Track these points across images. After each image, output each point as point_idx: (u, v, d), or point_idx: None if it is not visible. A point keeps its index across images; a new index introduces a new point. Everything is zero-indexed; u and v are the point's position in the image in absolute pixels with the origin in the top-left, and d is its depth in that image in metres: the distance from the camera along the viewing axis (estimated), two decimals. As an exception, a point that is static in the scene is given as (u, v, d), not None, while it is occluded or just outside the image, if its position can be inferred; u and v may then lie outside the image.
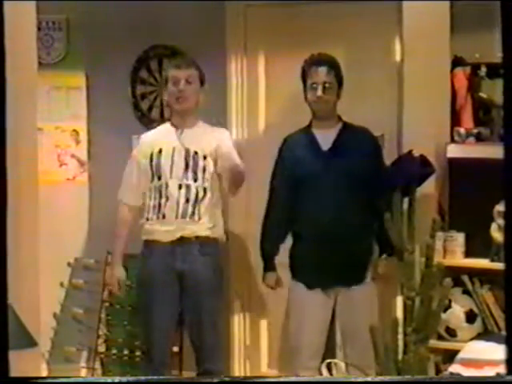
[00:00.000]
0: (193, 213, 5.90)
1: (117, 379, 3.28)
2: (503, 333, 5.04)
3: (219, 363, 6.09)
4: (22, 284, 6.31)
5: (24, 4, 6.39)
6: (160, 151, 5.97)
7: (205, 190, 5.93)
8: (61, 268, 7.05)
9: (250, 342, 6.98)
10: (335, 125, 5.85)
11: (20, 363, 5.65)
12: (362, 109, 6.38)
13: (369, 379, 2.80)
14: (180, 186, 5.92)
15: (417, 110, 5.91)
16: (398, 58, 6.21)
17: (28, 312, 5.69)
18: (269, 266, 5.99)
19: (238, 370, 6.97)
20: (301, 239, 5.88)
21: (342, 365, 5.93)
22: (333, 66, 5.81)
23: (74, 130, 7.19)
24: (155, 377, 4.77)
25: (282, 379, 3.57)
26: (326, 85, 5.77)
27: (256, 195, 6.35)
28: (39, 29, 6.64)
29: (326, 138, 5.81)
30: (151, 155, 5.99)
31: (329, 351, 5.96)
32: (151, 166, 5.99)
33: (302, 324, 5.83)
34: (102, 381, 3.79)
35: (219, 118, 6.68)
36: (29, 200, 6.45)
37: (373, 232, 5.77)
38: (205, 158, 5.91)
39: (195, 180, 5.92)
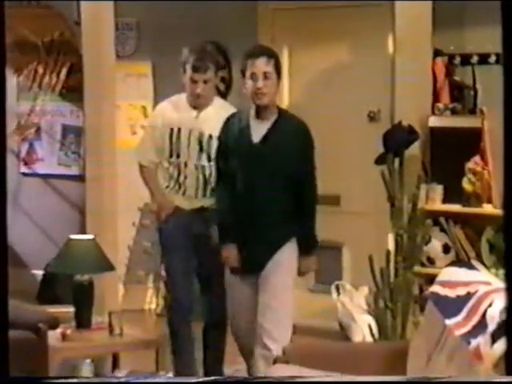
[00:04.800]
0: (212, 190, 4.98)
1: (121, 379, 3.01)
2: (472, 261, 5.03)
3: (223, 316, 4.99)
4: (104, 223, 6.34)
5: (105, 9, 6.38)
6: (179, 131, 5.01)
7: None
8: (133, 211, 7.05)
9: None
10: (271, 116, 4.58)
11: (102, 284, 5.68)
12: (363, 90, 6.32)
13: (370, 379, 2.55)
14: (196, 167, 5.01)
15: (405, 90, 5.83)
16: (391, 50, 6.14)
17: (109, 245, 5.72)
18: (223, 237, 4.74)
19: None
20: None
21: (348, 286, 5.91)
22: (271, 56, 4.59)
23: (143, 107, 7.16)
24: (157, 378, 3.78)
25: (282, 379, 3.20)
26: (267, 75, 4.50)
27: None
28: (116, 29, 6.63)
29: (259, 128, 4.58)
30: (171, 132, 5.04)
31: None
32: (171, 142, 5.03)
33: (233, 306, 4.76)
34: (102, 381, 3.26)
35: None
36: (109, 161, 6.48)
37: (289, 223, 4.61)
38: (217, 138, 4.92)
39: (209, 160, 4.97)
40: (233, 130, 4.65)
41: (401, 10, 5.74)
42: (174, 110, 5.10)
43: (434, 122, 5.72)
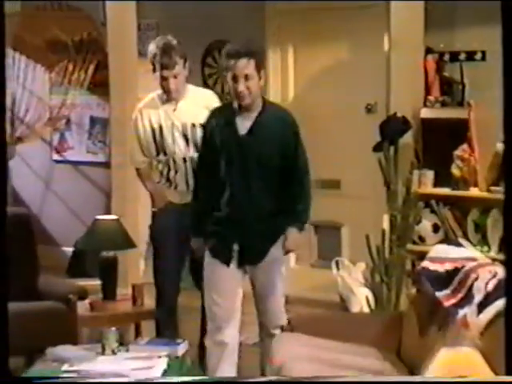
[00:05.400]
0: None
1: (121, 379, 2.85)
2: (459, 239, 5.00)
3: None
4: (128, 206, 6.31)
5: (128, 11, 6.35)
6: (161, 128, 4.59)
7: None
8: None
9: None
10: (256, 108, 4.11)
11: (125, 259, 5.66)
12: (361, 85, 6.27)
13: (371, 379, 2.38)
14: (185, 160, 4.58)
15: (400, 84, 5.77)
16: (386, 48, 6.09)
17: (131, 225, 5.70)
18: (195, 231, 4.29)
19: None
20: (217, 217, 4.24)
21: (347, 262, 5.89)
22: (251, 56, 4.03)
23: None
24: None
25: (281, 379, 3.03)
26: (248, 77, 4.01)
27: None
28: (139, 29, 6.60)
29: (245, 121, 4.10)
30: (153, 132, 4.62)
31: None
32: (155, 141, 4.62)
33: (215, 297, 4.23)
34: (104, 381, 3.01)
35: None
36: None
37: (284, 215, 4.19)
38: (201, 126, 4.47)
39: (197, 150, 4.47)
40: (218, 124, 4.16)
41: (395, 11, 5.69)
42: (151, 110, 4.65)
43: (425, 113, 5.67)
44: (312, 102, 6.57)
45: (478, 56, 5.61)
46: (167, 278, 4.73)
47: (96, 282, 5.12)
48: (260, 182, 4.12)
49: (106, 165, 6.91)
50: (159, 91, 4.65)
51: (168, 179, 4.66)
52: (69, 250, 7.03)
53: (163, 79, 4.55)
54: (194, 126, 4.57)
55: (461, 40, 5.70)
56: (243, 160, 4.10)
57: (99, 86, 7.11)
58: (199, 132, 4.48)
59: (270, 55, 6.75)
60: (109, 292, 4.99)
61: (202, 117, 4.42)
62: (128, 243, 5.15)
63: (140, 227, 6.07)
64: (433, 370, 2.87)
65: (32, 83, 7.42)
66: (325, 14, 6.42)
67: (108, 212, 6.18)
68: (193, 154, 4.54)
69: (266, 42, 6.72)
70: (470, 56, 5.64)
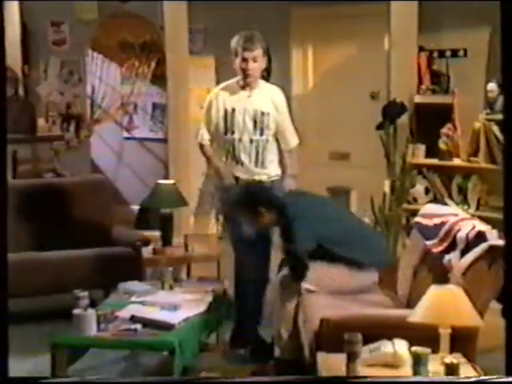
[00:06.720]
0: (262, 162, 4.16)
1: (119, 379, 2.55)
2: (445, 199, 4.93)
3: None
4: (182, 172, 6.32)
5: (181, 18, 6.31)
6: (233, 110, 4.14)
7: (267, 141, 4.19)
8: (202, 164, 6.97)
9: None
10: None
11: (180, 215, 5.65)
12: (367, 76, 6.17)
13: (371, 379, 2.15)
14: (251, 141, 4.13)
15: (398, 76, 5.65)
16: (387, 46, 5.97)
17: (185, 187, 5.70)
18: None
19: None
20: None
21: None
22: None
23: (208, 89, 7.07)
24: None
25: (281, 378, 2.80)
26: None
27: (309, 141, 6.21)
28: (190, 32, 6.55)
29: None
30: (225, 112, 4.17)
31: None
32: (225, 121, 4.17)
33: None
34: (103, 381, 2.71)
35: (286, 84, 6.52)
36: (184, 128, 6.42)
37: None
38: (268, 114, 4.17)
39: (261, 135, 4.15)
40: None
41: (394, 17, 5.56)
42: (227, 93, 4.21)
43: (418, 99, 5.57)
44: (328, 91, 6.51)
45: (461, 53, 5.54)
46: (249, 255, 4.13)
47: (157, 233, 5.14)
48: None
49: (165, 141, 6.91)
50: (237, 78, 4.22)
51: (234, 157, 4.16)
52: (136, 207, 7.04)
53: (243, 60, 4.11)
54: (262, 113, 4.17)
55: (447, 40, 5.61)
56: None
57: (159, 78, 7.07)
58: (266, 119, 4.17)
59: (293, 54, 6.66)
60: (166, 240, 5.01)
61: (269, 107, 4.17)
62: (182, 202, 5.16)
63: (191, 189, 6.07)
64: (424, 304, 2.83)
65: (107, 76, 7.39)
66: (338, 19, 6.32)
67: (166, 177, 6.18)
68: (258, 137, 4.15)
69: (291, 42, 6.63)
70: (454, 53, 5.56)
